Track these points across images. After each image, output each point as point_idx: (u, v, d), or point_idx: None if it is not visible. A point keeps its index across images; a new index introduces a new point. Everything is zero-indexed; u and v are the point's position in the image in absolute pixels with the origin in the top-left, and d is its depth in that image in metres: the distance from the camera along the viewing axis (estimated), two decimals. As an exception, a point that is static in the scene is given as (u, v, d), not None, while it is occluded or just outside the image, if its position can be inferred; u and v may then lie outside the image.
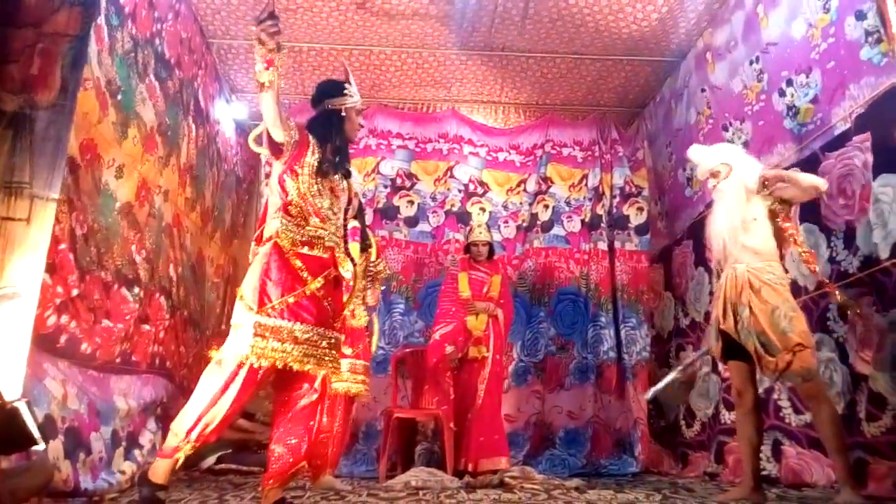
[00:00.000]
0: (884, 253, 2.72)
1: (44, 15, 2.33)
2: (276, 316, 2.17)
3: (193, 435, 2.09)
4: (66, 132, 2.31)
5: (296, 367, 2.16)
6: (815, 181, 2.66)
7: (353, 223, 3.52)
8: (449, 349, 4.03)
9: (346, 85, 2.55)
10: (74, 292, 2.86)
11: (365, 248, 3.55)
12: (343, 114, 2.50)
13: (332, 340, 2.30)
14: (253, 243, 2.46)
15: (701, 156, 2.94)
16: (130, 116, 3.50)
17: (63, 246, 2.77)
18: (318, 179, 2.37)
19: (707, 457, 4.12)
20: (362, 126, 2.69)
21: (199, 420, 2.10)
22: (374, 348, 3.63)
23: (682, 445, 4.59)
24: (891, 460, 2.60)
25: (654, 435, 4.73)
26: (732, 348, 2.71)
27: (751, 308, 2.59)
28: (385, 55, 4.78)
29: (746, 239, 2.69)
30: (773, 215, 2.70)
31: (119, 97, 3.35)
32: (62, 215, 2.75)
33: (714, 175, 2.85)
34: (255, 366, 2.12)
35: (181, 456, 2.11)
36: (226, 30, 4.51)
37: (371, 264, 3.60)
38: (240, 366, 2.12)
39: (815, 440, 3.12)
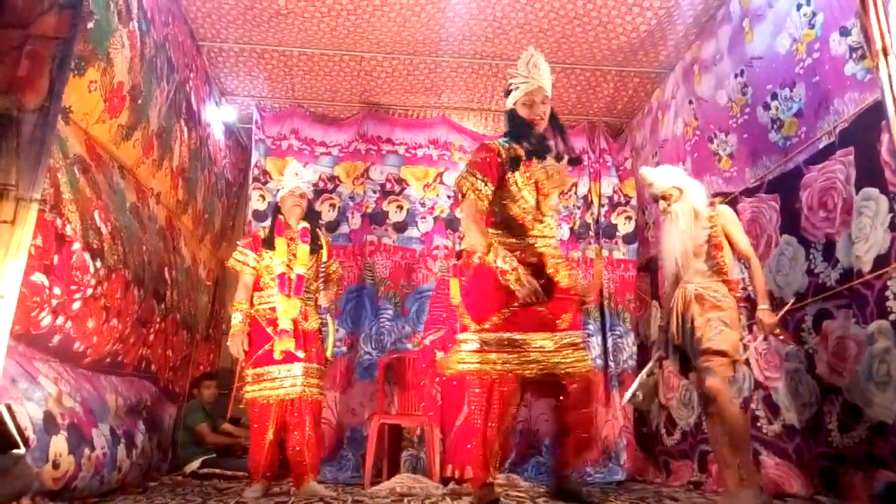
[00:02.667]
0: (866, 266, 2.74)
1: (31, 17, 2.32)
2: (493, 329, 2.45)
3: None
4: (51, 134, 2.30)
5: (527, 374, 2.42)
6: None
7: (302, 224, 3.49)
8: (439, 356, 4.03)
9: (512, 81, 2.74)
10: (89, 292, 2.87)
11: (315, 249, 3.50)
12: (516, 109, 2.71)
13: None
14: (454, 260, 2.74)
15: (654, 176, 3.00)
16: (142, 119, 3.50)
17: (77, 246, 2.77)
18: (515, 176, 2.59)
19: (690, 466, 4.15)
20: (543, 104, 2.72)
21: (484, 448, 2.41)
22: (329, 351, 3.54)
23: (664, 454, 4.61)
24: (865, 471, 2.63)
25: (638, 443, 4.74)
26: (688, 362, 2.83)
27: (693, 322, 2.72)
28: (376, 61, 4.79)
29: (696, 262, 2.84)
30: (709, 240, 2.82)
31: (139, 101, 3.37)
32: (72, 215, 2.76)
33: (665, 198, 2.94)
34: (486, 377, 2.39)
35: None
36: (216, 33, 4.50)
37: (322, 265, 3.56)
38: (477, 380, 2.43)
39: (789, 451, 3.16)
